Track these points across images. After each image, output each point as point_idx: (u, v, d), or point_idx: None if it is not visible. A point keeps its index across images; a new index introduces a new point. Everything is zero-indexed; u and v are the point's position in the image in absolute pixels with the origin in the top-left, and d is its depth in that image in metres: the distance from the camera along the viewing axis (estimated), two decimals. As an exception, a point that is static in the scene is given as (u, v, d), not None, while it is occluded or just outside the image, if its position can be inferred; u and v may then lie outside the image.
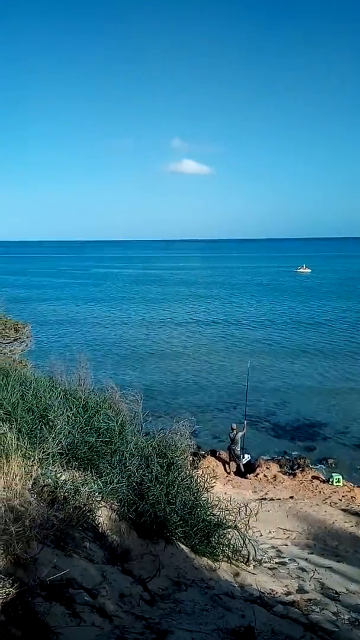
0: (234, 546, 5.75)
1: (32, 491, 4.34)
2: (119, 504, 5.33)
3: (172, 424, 6.29)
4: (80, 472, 5.32)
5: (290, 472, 13.35)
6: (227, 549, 5.66)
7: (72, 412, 5.87)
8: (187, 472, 5.91)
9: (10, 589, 2.60)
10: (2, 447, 4.40)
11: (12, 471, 4.11)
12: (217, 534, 5.56)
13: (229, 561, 5.63)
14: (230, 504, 6.27)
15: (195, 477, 6.02)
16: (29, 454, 4.71)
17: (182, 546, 5.39)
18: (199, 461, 12.45)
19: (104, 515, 5.03)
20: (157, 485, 5.34)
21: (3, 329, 7.47)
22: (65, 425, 5.53)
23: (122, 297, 51.89)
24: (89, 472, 5.26)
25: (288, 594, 5.30)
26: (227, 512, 5.94)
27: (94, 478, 5.17)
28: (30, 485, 4.39)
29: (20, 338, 7.78)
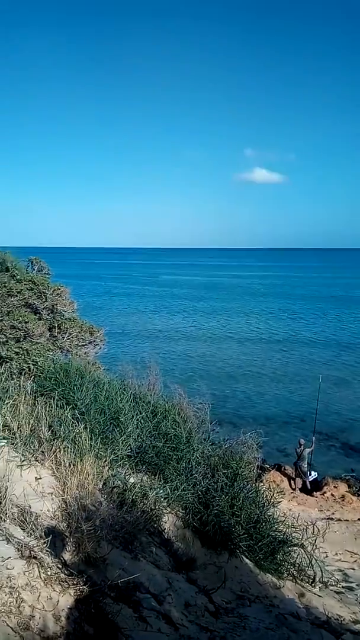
0: (299, 565, 5.58)
1: (103, 492, 4.48)
2: (183, 511, 5.36)
3: (238, 435, 6.23)
4: (147, 476, 5.41)
5: (359, 493, 12.74)
6: (292, 567, 5.51)
7: (141, 415, 5.98)
8: (253, 485, 5.82)
9: (84, 587, 2.68)
10: (77, 446, 4.58)
11: (85, 470, 4.26)
12: (282, 551, 5.43)
13: (294, 580, 5.47)
14: (296, 522, 6.10)
15: (262, 491, 5.92)
16: (100, 454, 4.87)
17: (246, 560, 5.31)
18: (264, 475, 12.22)
19: (169, 522, 5.07)
20: (222, 496, 5.31)
21: (79, 332, 7.78)
22: (134, 428, 5.65)
23: (190, 306, 51.92)
24: (155, 477, 5.33)
25: (356, 622, 5.05)
26: (293, 529, 5.78)
27: (161, 483, 5.23)
28: (100, 486, 4.54)
29: (94, 341, 8.06)
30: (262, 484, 6.50)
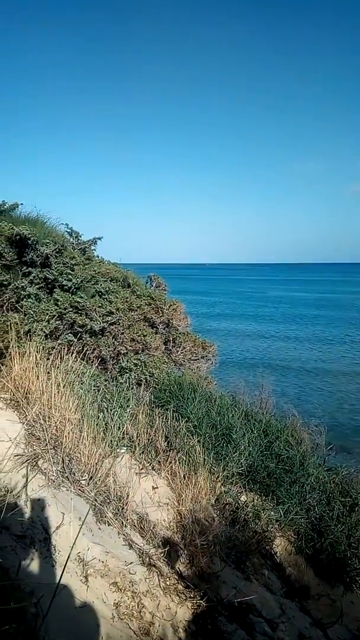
0: None
1: (215, 507, 4.51)
2: (295, 536, 5.18)
3: (358, 462, 5.88)
4: (259, 496, 5.33)
5: None
6: None
7: (253, 434, 5.92)
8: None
9: (201, 602, 2.72)
10: (191, 459, 4.67)
11: (199, 484, 4.33)
12: None
13: None
14: None
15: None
16: (213, 469, 4.91)
17: (363, 597, 4.97)
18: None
19: (280, 545, 4.94)
20: (338, 525, 5.05)
21: (192, 346, 7.96)
22: (246, 446, 5.61)
23: (305, 324, 49.72)
24: (267, 498, 5.23)
25: None
26: None
27: (273, 505, 5.13)
28: (213, 501, 4.57)
29: (206, 356, 8.18)
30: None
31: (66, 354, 5.60)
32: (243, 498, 4.98)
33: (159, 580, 2.74)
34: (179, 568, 3.24)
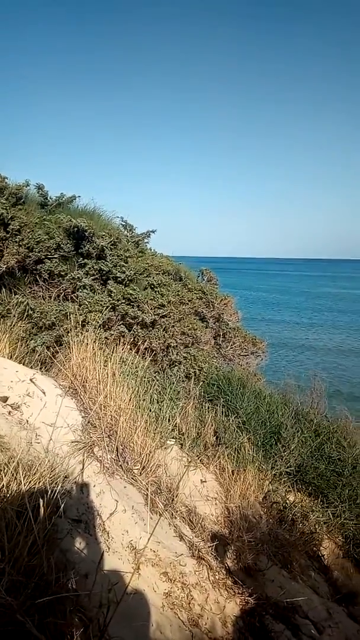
0: None
1: (263, 505, 4.48)
2: (344, 540, 5.07)
3: None
4: (307, 497, 5.25)
5: None
6: None
7: (303, 434, 5.83)
8: None
9: (249, 598, 2.72)
10: (239, 456, 4.67)
11: (248, 481, 4.32)
12: None
13: None
14: None
15: None
16: (262, 467, 4.88)
17: None
18: None
19: (328, 549, 4.85)
20: (390, 533, 4.90)
21: (242, 342, 7.91)
22: (296, 446, 5.53)
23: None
24: (317, 499, 5.15)
25: None
26: None
27: (322, 507, 5.04)
28: (261, 499, 4.55)
29: (256, 352, 8.11)
30: None
31: (118, 345, 5.71)
32: (291, 498, 4.93)
33: (208, 573, 2.75)
34: (226, 563, 3.25)
